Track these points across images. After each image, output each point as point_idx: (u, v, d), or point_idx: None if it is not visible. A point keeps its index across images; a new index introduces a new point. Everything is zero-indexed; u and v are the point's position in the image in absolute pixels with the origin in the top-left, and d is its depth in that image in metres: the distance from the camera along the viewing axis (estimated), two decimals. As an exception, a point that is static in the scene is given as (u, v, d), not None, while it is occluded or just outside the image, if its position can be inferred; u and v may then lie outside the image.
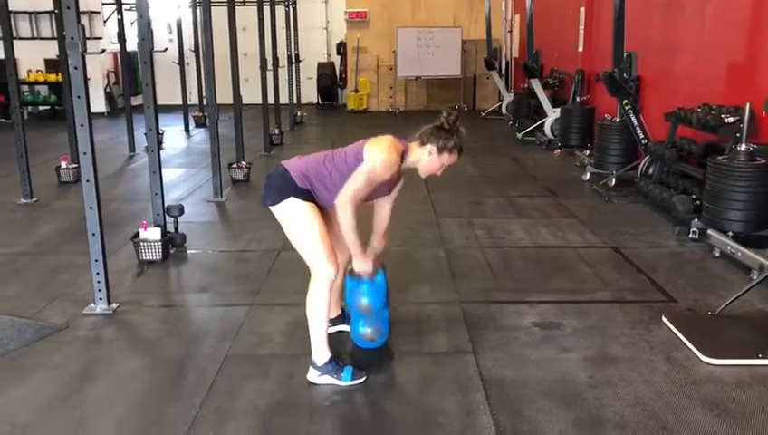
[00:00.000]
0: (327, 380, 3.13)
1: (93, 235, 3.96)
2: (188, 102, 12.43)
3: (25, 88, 14.12)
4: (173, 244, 5.16)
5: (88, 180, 3.89)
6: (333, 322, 3.61)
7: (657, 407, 2.94)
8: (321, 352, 3.14)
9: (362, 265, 3.21)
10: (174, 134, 11.70)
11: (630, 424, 2.81)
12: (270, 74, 10.38)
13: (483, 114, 14.20)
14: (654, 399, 3.01)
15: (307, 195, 3.08)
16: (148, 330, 3.82)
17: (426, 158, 3.18)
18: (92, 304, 4.02)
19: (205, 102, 10.43)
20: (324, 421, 2.84)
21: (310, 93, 16.17)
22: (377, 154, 3.05)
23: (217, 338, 3.63)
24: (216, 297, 4.23)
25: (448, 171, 3.26)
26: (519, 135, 10.89)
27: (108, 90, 14.95)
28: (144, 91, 5.08)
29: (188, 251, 5.16)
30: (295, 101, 12.94)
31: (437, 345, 3.54)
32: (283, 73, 11.58)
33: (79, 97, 3.79)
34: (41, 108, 14.81)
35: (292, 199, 3.06)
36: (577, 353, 3.44)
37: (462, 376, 3.21)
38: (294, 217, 3.08)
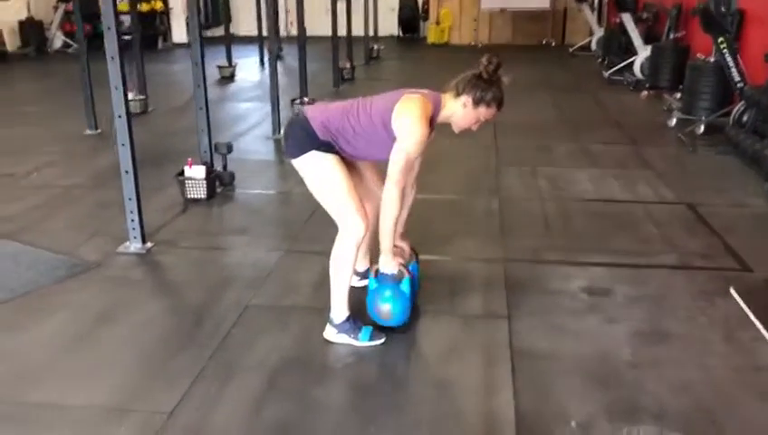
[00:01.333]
0: (344, 339, 2.94)
1: (126, 172, 3.87)
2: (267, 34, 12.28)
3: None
4: (221, 182, 5.06)
5: (120, 116, 3.78)
6: (362, 275, 3.42)
7: (707, 396, 2.60)
8: (339, 310, 2.95)
9: (389, 265, 2.94)
10: (248, 66, 11.62)
11: (671, 414, 2.49)
12: (343, 5, 10.05)
13: (570, 50, 13.38)
14: (704, 385, 2.66)
15: (330, 147, 2.84)
16: (176, 272, 3.74)
17: (460, 111, 2.87)
18: (127, 243, 3.98)
19: (265, 33, 10.14)
20: (331, 386, 2.66)
21: (390, 25, 15.70)
22: (409, 134, 2.75)
23: (244, 285, 3.50)
24: (251, 241, 4.09)
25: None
26: (606, 74, 10.17)
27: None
28: (190, 21, 4.89)
29: (237, 190, 5.05)
30: (372, 34, 12.56)
31: (470, 307, 3.28)
32: (359, 4, 11.20)
33: (109, 29, 3.64)
34: (125, 37, 15.03)
35: (313, 153, 2.82)
36: (624, 326, 3.10)
37: (490, 344, 2.95)
38: (317, 171, 2.85)
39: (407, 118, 2.77)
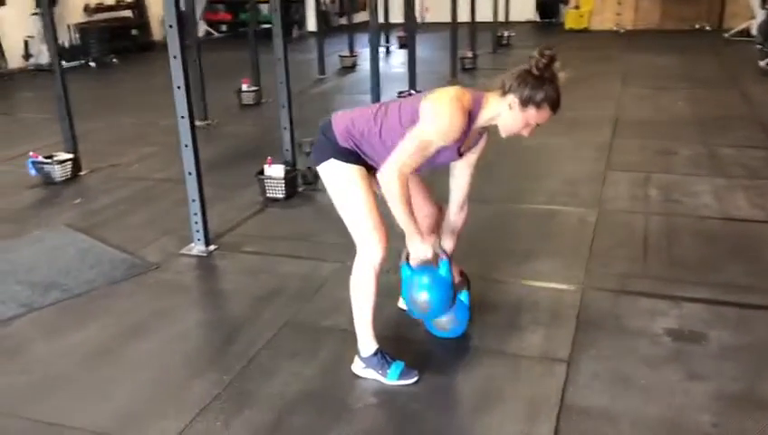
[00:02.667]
0: (371, 374, 2.65)
1: (190, 174, 3.79)
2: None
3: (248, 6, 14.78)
4: (304, 181, 4.90)
5: (183, 117, 3.68)
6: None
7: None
8: (366, 343, 2.65)
9: (420, 249, 2.55)
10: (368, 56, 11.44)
11: None
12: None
13: (726, 36, 12.06)
14: (799, 477, 2.11)
15: (352, 156, 2.54)
16: (228, 280, 3.62)
17: (506, 112, 2.44)
18: (191, 244, 3.91)
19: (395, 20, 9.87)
20: (345, 430, 2.39)
21: (527, 10, 14.98)
22: (432, 118, 2.39)
23: (290, 298, 3.30)
24: (314, 248, 3.87)
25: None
26: (762, 63, 9.01)
27: (324, 8, 15.07)
28: (273, 16, 4.74)
29: (319, 190, 4.87)
30: (503, 19, 11.99)
31: (527, 345, 2.86)
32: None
33: (171, 27, 3.54)
34: (263, 26, 15.42)
35: (332, 161, 2.53)
36: (710, 384, 2.56)
37: (538, 395, 2.54)
38: (335, 181, 2.55)
39: (438, 102, 2.40)
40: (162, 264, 3.74)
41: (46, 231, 4.24)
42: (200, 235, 3.87)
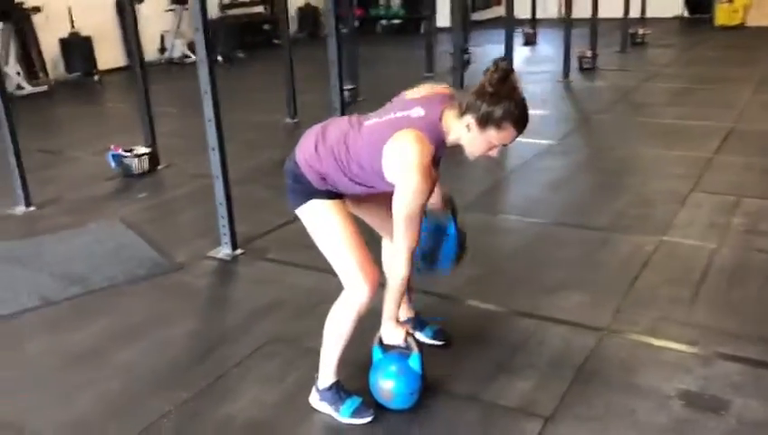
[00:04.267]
0: (325, 408, 2.47)
1: (217, 177, 3.78)
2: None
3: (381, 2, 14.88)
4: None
5: (210, 120, 3.67)
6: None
7: None
8: (325, 375, 2.47)
9: (393, 334, 2.38)
10: (492, 54, 11.05)
11: None
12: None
13: None
14: None
15: (330, 193, 2.34)
16: (236, 288, 3.58)
17: (465, 135, 2.18)
18: (220, 247, 3.91)
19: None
20: (273, 469, 2.24)
21: (673, 4, 13.84)
22: (404, 194, 2.16)
23: (286, 313, 3.19)
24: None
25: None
26: None
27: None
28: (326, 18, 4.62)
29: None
30: (639, 15, 11.13)
31: (509, 394, 2.54)
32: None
33: (198, 29, 3.53)
34: (393, 21, 15.42)
35: (312, 202, 2.34)
36: (705, 470, 2.14)
37: (499, 454, 2.25)
38: (315, 221, 2.36)
39: (402, 174, 2.16)
40: (186, 265, 3.76)
41: (101, 224, 4.42)
42: (227, 238, 3.85)
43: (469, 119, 2.13)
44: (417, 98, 2.30)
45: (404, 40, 13.55)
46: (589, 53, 9.13)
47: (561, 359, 2.74)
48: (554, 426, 2.36)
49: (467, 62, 10.03)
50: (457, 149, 2.26)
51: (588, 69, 9.07)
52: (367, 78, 8.43)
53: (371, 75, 9.04)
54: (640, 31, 11.16)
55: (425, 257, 2.54)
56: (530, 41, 11.93)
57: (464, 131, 2.16)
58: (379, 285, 2.32)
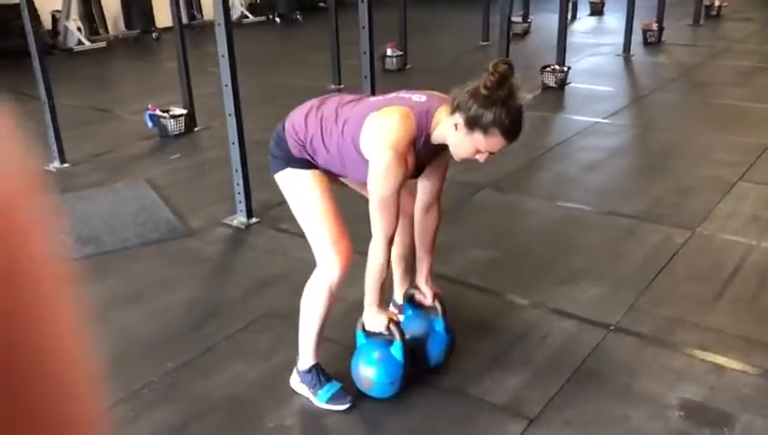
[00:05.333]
0: (304, 391, 2.41)
1: (233, 144, 3.72)
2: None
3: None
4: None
5: (226, 85, 3.61)
6: (401, 309, 2.78)
7: None
8: (304, 357, 2.40)
9: (374, 320, 2.27)
10: (554, 23, 10.61)
11: None
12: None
13: None
14: None
15: (309, 164, 2.25)
16: (243, 257, 3.55)
17: (452, 133, 2.05)
18: (236, 215, 3.87)
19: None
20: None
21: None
22: (376, 174, 2.06)
23: (287, 286, 3.09)
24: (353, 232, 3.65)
25: None
26: None
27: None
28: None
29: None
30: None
31: (498, 390, 2.42)
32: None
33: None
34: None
35: (288, 170, 2.26)
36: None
37: (471, 454, 2.15)
38: (291, 190, 2.28)
39: (375, 146, 2.06)
40: (199, 231, 3.75)
41: (126, 184, 4.46)
42: (242, 206, 3.82)
43: (458, 117, 2.00)
44: (425, 91, 2.19)
45: (464, 4, 13.18)
46: (654, 26, 8.64)
47: (560, 356, 2.60)
48: (537, 429, 2.23)
49: (526, 32, 9.72)
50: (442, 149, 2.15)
51: (652, 43, 8.60)
52: (418, 45, 8.23)
53: (423, 42, 8.84)
54: (717, 2, 10.51)
55: (412, 352, 2.38)
56: (596, 10, 11.43)
57: (451, 130, 2.04)
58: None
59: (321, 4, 11.78)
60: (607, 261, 3.30)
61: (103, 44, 9.58)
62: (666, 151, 4.82)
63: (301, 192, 2.26)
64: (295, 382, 2.44)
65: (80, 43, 9.29)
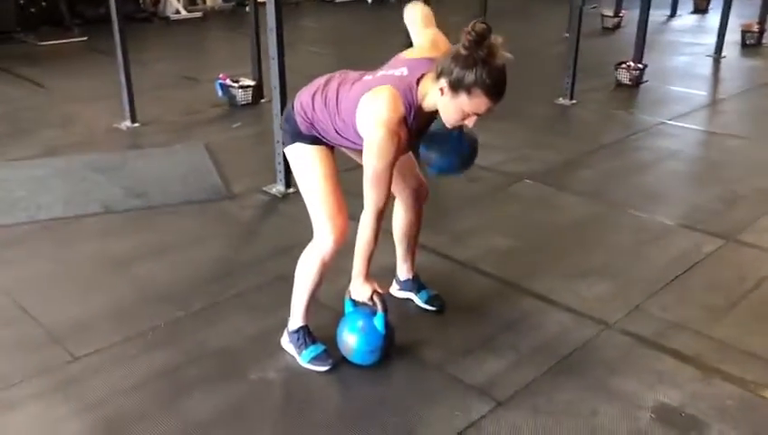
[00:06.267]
0: (290, 349, 2.55)
1: (276, 115, 3.88)
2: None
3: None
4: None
5: (273, 58, 3.77)
6: (402, 285, 2.88)
7: None
8: (294, 318, 2.53)
9: (360, 290, 2.36)
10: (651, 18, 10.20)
11: None
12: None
13: None
14: None
15: (315, 139, 2.36)
16: (272, 223, 3.72)
17: (439, 99, 2.10)
18: (275, 183, 4.05)
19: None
20: (221, 395, 2.35)
21: None
22: (369, 150, 2.14)
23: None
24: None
25: None
26: None
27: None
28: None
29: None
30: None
31: (476, 371, 2.46)
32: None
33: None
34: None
35: (296, 145, 2.38)
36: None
37: (434, 424, 2.22)
38: (297, 164, 2.41)
39: (368, 126, 2.15)
40: (239, 196, 3.95)
41: (185, 147, 4.72)
42: (282, 175, 3.99)
43: (443, 82, 2.05)
44: (410, 58, 2.26)
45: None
46: (755, 27, 8.19)
47: (547, 346, 2.61)
48: (503, 412, 2.27)
49: (617, 26, 9.42)
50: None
51: (750, 45, 8.16)
52: (498, 33, 8.13)
53: (503, 31, 8.66)
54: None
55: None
56: (700, 8, 10.90)
57: (438, 95, 2.09)
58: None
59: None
60: (625, 261, 3.25)
61: (199, 14, 10.03)
62: (724, 159, 4.63)
63: (305, 166, 2.37)
64: (284, 341, 2.58)
65: (177, 12, 9.77)
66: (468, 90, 2.01)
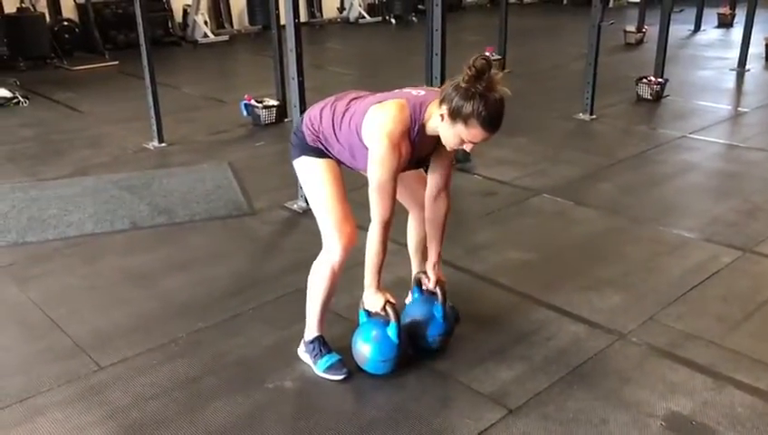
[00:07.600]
0: (306, 359, 2.62)
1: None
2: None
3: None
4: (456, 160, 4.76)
5: (293, 78, 3.88)
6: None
7: None
8: (310, 328, 2.61)
9: (372, 300, 2.44)
10: (676, 32, 10.19)
11: None
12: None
13: None
14: None
15: (321, 153, 2.46)
16: (293, 239, 3.79)
17: (439, 123, 2.21)
18: (297, 200, 4.14)
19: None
20: (237, 403, 2.42)
21: None
22: (372, 160, 2.25)
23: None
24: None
25: None
26: None
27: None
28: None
29: (469, 171, 4.71)
30: None
31: (488, 380, 2.50)
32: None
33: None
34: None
35: (303, 158, 2.48)
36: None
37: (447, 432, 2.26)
38: (305, 176, 2.50)
39: (373, 135, 2.25)
40: (260, 212, 4.05)
41: (211, 165, 4.85)
42: (302, 191, 4.07)
43: (444, 109, 2.15)
44: (432, 88, 2.39)
45: (580, 11, 12.89)
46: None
47: (560, 356, 2.64)
48: (514, 420, 2.31)
49: (640, 42, 9.42)
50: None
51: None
52: (522, 49, 8.27)
53: (528, 47, 8.85)
54: None
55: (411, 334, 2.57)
56: (724, 22, 10.86)
57: (438, 120, 2.18)
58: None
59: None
60: (640, 273, 3.27)
61: (226, 38, 10.27)
62: (744, 171, 4.62)
63: (312, 178, 2.46)
64: (301, 351, 2.66)
65: (205, 35, 10.01)
66: (465, 120, 2.10)
